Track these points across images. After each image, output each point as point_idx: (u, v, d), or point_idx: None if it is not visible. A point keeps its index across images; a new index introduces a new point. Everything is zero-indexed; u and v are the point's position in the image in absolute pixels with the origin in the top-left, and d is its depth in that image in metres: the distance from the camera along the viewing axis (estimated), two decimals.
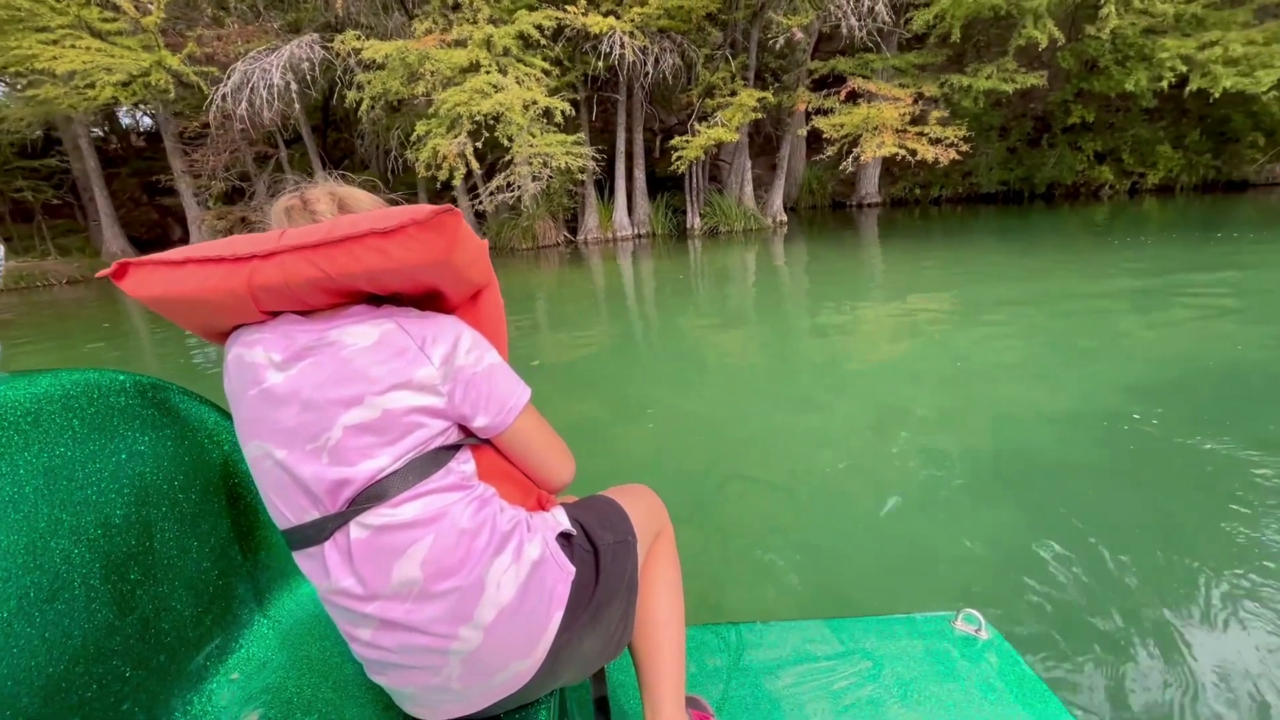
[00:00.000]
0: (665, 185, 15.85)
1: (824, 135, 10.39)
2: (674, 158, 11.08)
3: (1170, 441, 2.63)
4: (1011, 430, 2.88)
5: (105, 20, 10.46)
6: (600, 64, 10.47)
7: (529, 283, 9.04)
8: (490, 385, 0.79)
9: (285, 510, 0.74)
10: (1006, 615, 1.68)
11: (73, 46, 9.39)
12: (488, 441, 0.83)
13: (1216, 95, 9.83)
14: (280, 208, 0.84)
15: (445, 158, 9.00)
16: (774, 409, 3.36)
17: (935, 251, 8.47)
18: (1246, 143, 13.30)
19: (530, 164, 9.71)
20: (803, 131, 10.12)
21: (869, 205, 17.65)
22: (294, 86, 9.29)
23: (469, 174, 9.15)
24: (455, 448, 0.78)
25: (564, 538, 0.83)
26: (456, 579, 0.71)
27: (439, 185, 14.07)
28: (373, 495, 0.71)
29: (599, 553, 0.84)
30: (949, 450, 2.68)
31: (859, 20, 9.72)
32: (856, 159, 9.65)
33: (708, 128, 10.48)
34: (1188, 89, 10.07)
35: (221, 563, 0.98)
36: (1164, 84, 10.21)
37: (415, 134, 9.19)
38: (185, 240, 20.05)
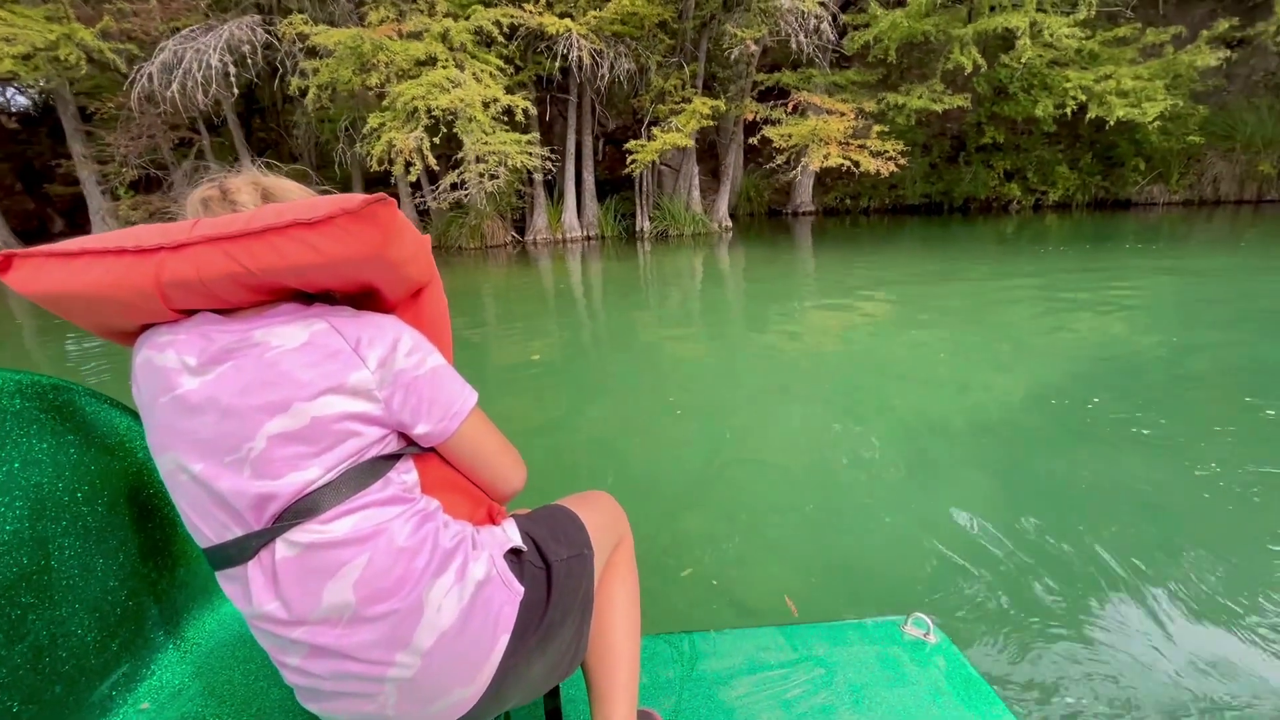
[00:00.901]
0: (610, 188, 16.00)
1: (773, 144, 10.85)
2: (629, 160, 11.22)
3: (1087, 425, 2.96)
4: (948, 410, 3.23)
5: None
6: (555, 65, 10.47)
7: (483, 282, 8.91)
8: (433, 390, 0.73)
9: (204, 528, 0.68)
10: (940, 606, 1.79)
11: None
12: (432, 450, 0.77)
13: (1112, 123, 11.04)
14: (196, 198, 0.77)
15: (401, 152, 8.72)
16: (742, 401, 3.53)
17: (872, 257, 9.11)
18: (1130, 167, 14.98)
19: (486, 162, 9.57)
20: (755, 140, 10.50)
21: (803, 214, 18.48)
22: (232, 70, 8.70)
23: (407, 170, 8.88)
24: (395, 457, 0.72)
25: (514, 554, 0.78)
26: (393, 601, 0.66)
27: (385, 181, 13.56)
28: (301, 510, 0.65)
29: (551, 569, 0.80)
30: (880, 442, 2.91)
31: (805, 37, 10.23)
32: (805, 168, 10.14)
33: (663, 132, 10.69)
34: (1088, 116, 11.24)
35: (131, 582, 0.90)
36: (1067, 110, 11.35)
37: (368, 126, 8.84)
38: (69, 234, 18.20)
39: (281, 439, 0.65)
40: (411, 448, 0.75)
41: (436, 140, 8.85)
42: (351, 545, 0.66)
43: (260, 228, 0.65)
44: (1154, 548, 2.03)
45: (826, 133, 10.38)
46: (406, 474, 0.73)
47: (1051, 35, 10.55)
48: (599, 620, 0.87)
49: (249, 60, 8.96)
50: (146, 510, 0.95)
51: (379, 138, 8.80)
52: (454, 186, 10.01)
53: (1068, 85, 11.38)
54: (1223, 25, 11.37)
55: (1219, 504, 2.28)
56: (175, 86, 8.62)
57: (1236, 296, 5.62)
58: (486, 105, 8.86)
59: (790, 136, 10.68)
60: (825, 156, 10.24)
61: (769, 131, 10.73)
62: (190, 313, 0.70)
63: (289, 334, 0.67)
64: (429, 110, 8.55)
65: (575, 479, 2.73)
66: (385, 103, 8.73)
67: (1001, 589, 1.86)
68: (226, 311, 0.70)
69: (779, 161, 10.98)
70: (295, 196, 0.80)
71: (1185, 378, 3.64)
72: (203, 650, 0.98)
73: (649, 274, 9.07)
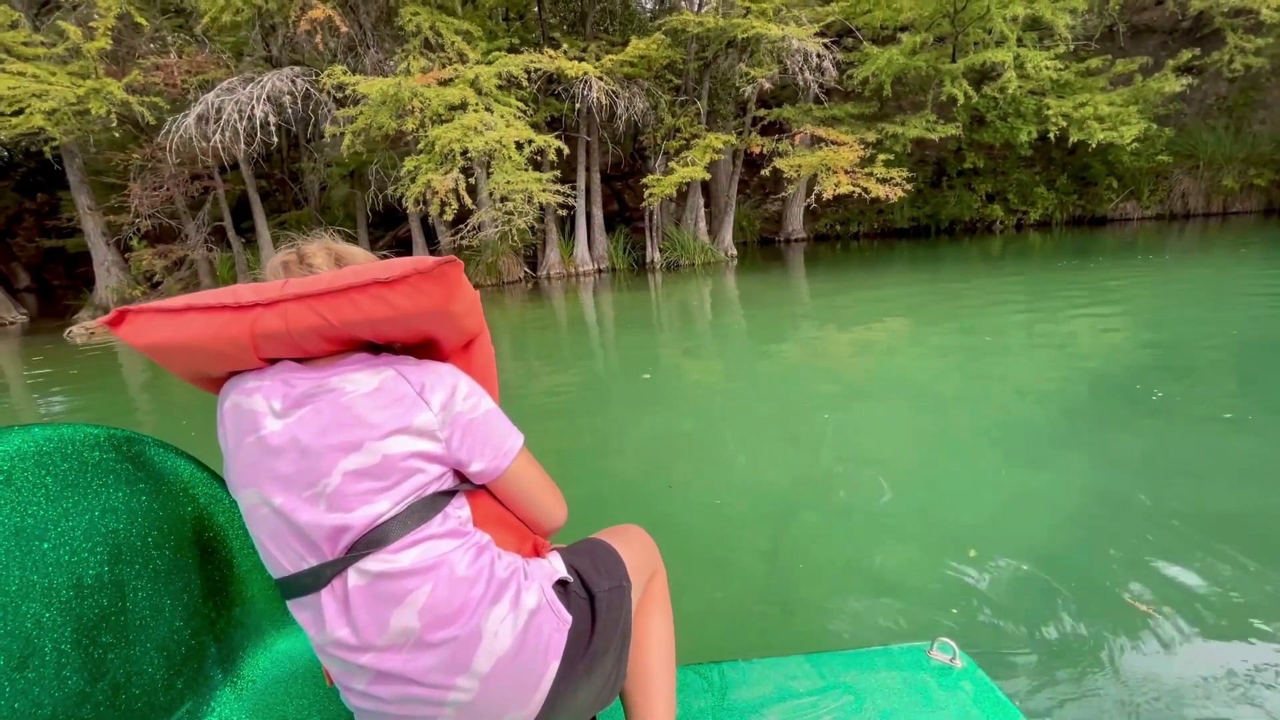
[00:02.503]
0: (616, 221, 16.41)
1: (784, 175, 11.37)
2: (646, 194, 11.63)
3: (1105, 434, 3.10)
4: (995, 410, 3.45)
5: (27, 45, 9.51)
6: (576, 106, 10.91)
7: (514, 318, 9.11)
8: (486, 430, 0.80)
9: (281, 558, 0.73)
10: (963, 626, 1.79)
11: (8, 72, 8.44)
12: (482, 487, 0.83)
13: (1093, 146, 11.85)
14: (277, 262, 0.86)
15: (437, 193, 8.96)
16: (774, 431, 3.58)
17: (875, 281, 9.59)
18: (1104, 185, 15.98)
19: (513, 200, 9.85)
20: (767, 172, 11.00)
21: (795, 240, 19.11)
22: (272, 120, 8.90)
23: (442, 210, 9.09)
24: (451, 494, 0.78)
25: (560, 585, 0.83)
26: (454, 628, 0.71)
27: (390, 223, 13.72)
28: (372, 541, 0.71)
29: (595, 600, 0.85)
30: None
31: (810, 74, 10.85)
32: (794, 197, 10.64)
33: (681, 165, 11.14)
34: (1070, 141, 12.04)
35: (194, 622, 0.95)
36: (1051, 135, 12.14)
37: (405, 169, 9.08)
38: (27, 292, 17.76)
39: (355, 475, 0.71)
40: (465, 484, 0.81)
41: (472, 180, 9.12)
42: (417, 575, 0.71)
43: (343, 286, 0.73)
44: (1190, 560, 2.02)
45: (835, 162, 10.94)
46: (461, 509, 0.79)
47: (1034, 68, 11.37)
48: (636, 651, 0.90)
49: (289, 110, 9.17)
50: (207, 553, 1.00)
51: (414, 180, 9.04)
52: (478, 228, 10.25)
53: (1049, 113, 12.21)
54: (1186, 55, 12.39)
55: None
56: (217, 136, 8.77)
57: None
58: (520, 146, 9.18)
59: (800, 167, 11.21)
60: (836, 185, 10.76)
61: (779, 163, 11.26)
62: (272, 361, 0.78)
63: (361, 380, 0.74)
64: (464, 152, 8.84)
65: (622, 507, 2.82)
66: (421, 145, 8.99)
67: (1030, 610, 1.84)
68: (304, 360, 0.78)
69: (789, 191, 11.49)
70: (362, 260, 0.87)
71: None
72: (258, 688, 1.02)
73: (676, 302, 9.39)
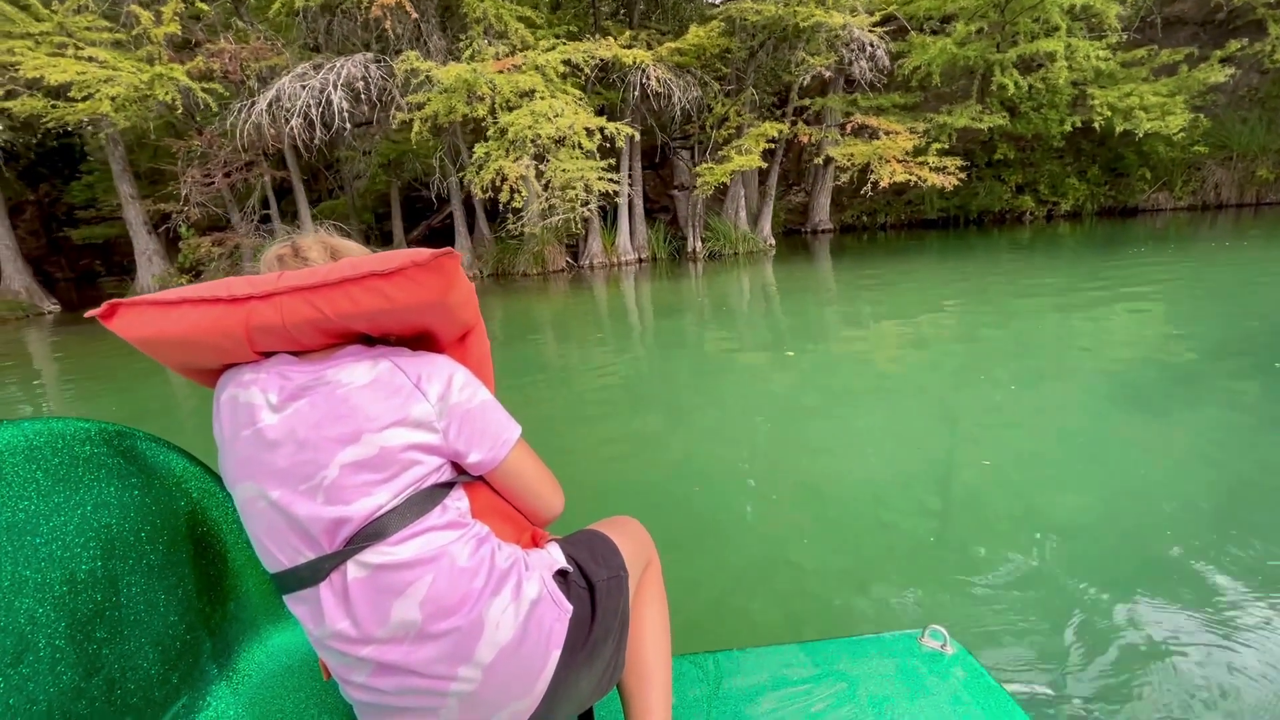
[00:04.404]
0: (654, 211, 16.46)
1: (837, 164, 11.43)
2: (699, 182, 11.68)
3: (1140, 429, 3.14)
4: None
5: (91, 30, 9.44)
6: (633, 94, 10.93)
7: (579, 302, 9.19)
8: (484, 421, 0.81)
9: (278, 553, 0.73)
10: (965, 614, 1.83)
11: (70, 56, 8.37)
12: (480, 479, 0.84)
13: (1139, 136, 11.97)
14: (272, 255, 0.86)
15: (507, 179, 8.98)
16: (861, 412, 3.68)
17: (918, 270, 9.67)
18: (1136, 176, 16.13)
19: (574, 187, 9.89)
20: (820, 160, 11.05)
21: (822, 231, 19.19)
22: (346, 106, 8.88)
23: (512, 196, 9.08)
24: (449, 485, 0.78)
25: (560, 575, 0.84)
26: (456, 619, 0.71)
27: (420, 214, 13.70)
28: (371, 534, 0.71)
29: (594, 589, 0.85)
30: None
31: (866, 63, 10.91)
32: (875, 185, 10.72)
33: (736, 154, 11.19)
34: (1117, 130, 12.16)
35: (189, 617, 0.95)
36: (1096, 125, 12.25)
37: (476, 155, 9.09)
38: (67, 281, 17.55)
39: (353, 467, 0.71)
40: (463, 476, 0.81)
41: (543, 167, 9.16)
42: (417, 566, 0.71)
43: (339, 279, 0.73)
44: (1189, 541, 2.08)
45: (889, 151, 11.02)
46: (459, 501, 0.79)
47: (1084, 58, 11.46)
48: (633, 641, 0.91)
49: (362, 96, 9.15)
50: (201, 547, 0.99)
51: (487, 166, 9.06)
52: (542, 215, 10.28)
53: (1094, 103, 12.31)
54: (1233, 46, 12.51)
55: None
56: (295, 122, 8.75)
57: None
58: (591, 133, 9.21)
59: (853, 156, 11.29)
60: (891, 174, 10.84)
61: (833, 151, 11.33)
62: (268, 355, 0.77)
63: (358, 372, 0.74)
64: (535, 139, 8.86)
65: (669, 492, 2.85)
66: (490, 132, 9.01)
67: (1024, 598, 1.89)
68: (300, 353, 0.78)
69: (842, 180, 11.56)
70: (357, 254, 0.87)
71: None
72: (253, 682, 1.01)
73: (728, 291, 9.45)
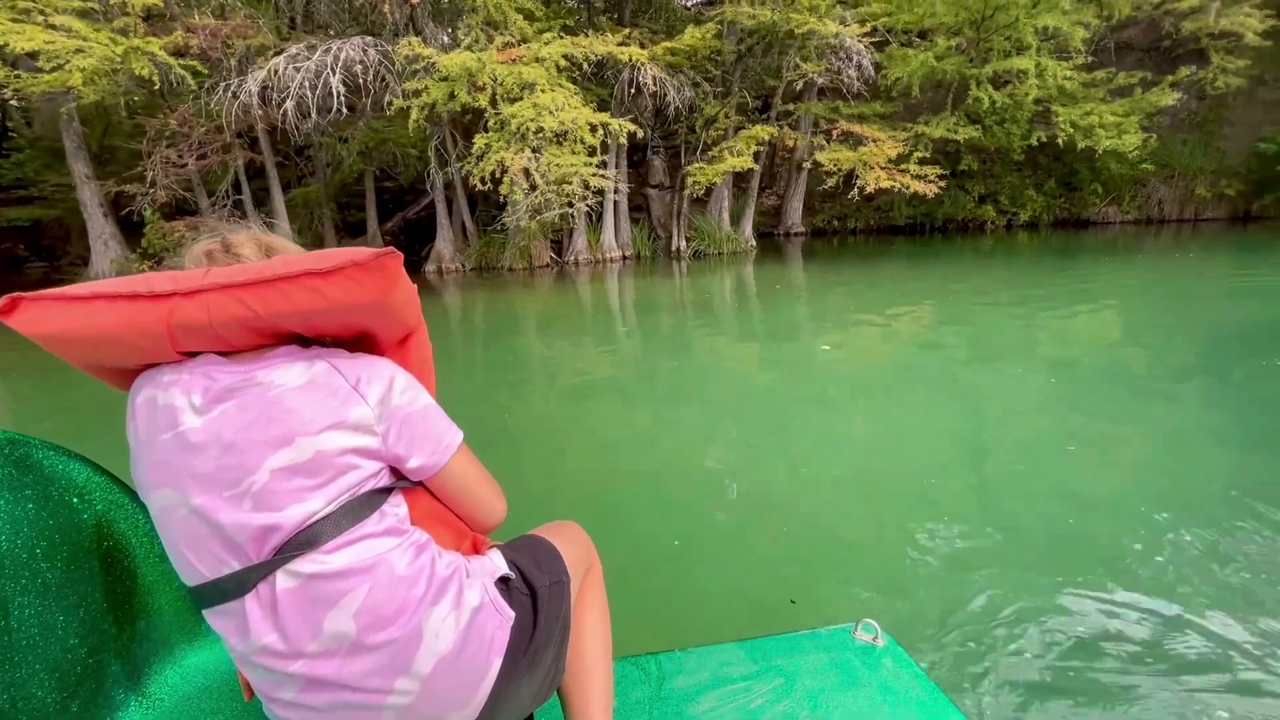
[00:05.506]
0: (630, 209, 16.50)
1: (824, 168, 11.77)
2: (690, 182, 11.81)
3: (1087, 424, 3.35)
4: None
5: None
6: (613, 92, 10.96)
7: (577, 298, 9.19)
8: (425, 425, 0.78)
9: (198, 564, 0.69)
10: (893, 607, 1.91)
11: (38, 23, 7.79)
12: (420, 484, 0.82)
13: (1100, 151, 12.77)
14: (199, 250, 0.81)
15: (507, 170, 8.88)
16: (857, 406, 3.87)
17: (886, 273, 10.17)
18: (1088, 190, 17.16)
19: (569, 182, 9.86)
20: (808, 164, 11.34)
21: (795, 234, 19.66)
22: (342, 90, 8.58)
23: (512, 188, 8.96)
24: (387, 491, 0.76)
25: (502, 582, 0.83)
26: (393, 629, 0.69)
27: (449, 201, 13.32)
28: (303, 542, 0.68)
29: (537, 595, 0.84)
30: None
31: (853, 72, 11.26)
32: (862, 190, 11.08)
33: (730, 155, 11.37)
34: (1078, 146, 12.93)
35: (92, 638, 0.89)
36: (1060, 140, 12.99)
37: (476, 146, 8.94)
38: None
39: (285, 472, 0.68)
40: (402, 482, 0.79)
41: (538, 161, 9.09)
42: (353, 575, 0.69)
43: (272, 276, 0.70)
44: (1089, 535, 2.24)
45: (873, 158, 11.41)
46: (398, 507, 0.77)
47: (1051, 77, 12.14)
48: (574, 645, 0.91)
49: (361, 81, 8.86)
50: (107, 563, 0.94)
51: (488, 157, 8.93)
52: (536, 209, 10.21)
53: (1058, 119, 13.06)
54: (1183, 72, 13.48)
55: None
56: (290, 104, 8.39)
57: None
58: (594, 129, 9.20)
59: (839, 162, 11.63)
60: (876, 180, 11.23)
61: (820, 156, 11.65)
62: (192, 354, 0.73)
63: (291, 374, 0.71)
64: (538, 131, 8.80)
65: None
66: (491, 123, 8.88)
67: (952, 588, 1.99)
68: (228, 353, 0.74)
69: (827, 185, 11.90)
70: (293, 253, 0.83)
71: None
72: (166, 706, 0.96)
73: (726, 290, 9.64)
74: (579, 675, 0.90)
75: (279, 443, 0.68)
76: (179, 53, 9.44)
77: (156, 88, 9.00)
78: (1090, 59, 15.13)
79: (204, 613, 0.71)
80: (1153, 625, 1.79)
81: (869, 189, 11.12)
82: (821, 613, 1.96)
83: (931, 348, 5.21)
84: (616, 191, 13.70)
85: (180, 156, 10.49)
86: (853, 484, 2.84)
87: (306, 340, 0.78)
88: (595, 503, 2.81)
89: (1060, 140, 13.26)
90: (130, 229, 13.28)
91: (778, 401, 4.09)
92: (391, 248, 0.73)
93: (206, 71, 9.65)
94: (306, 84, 8.42)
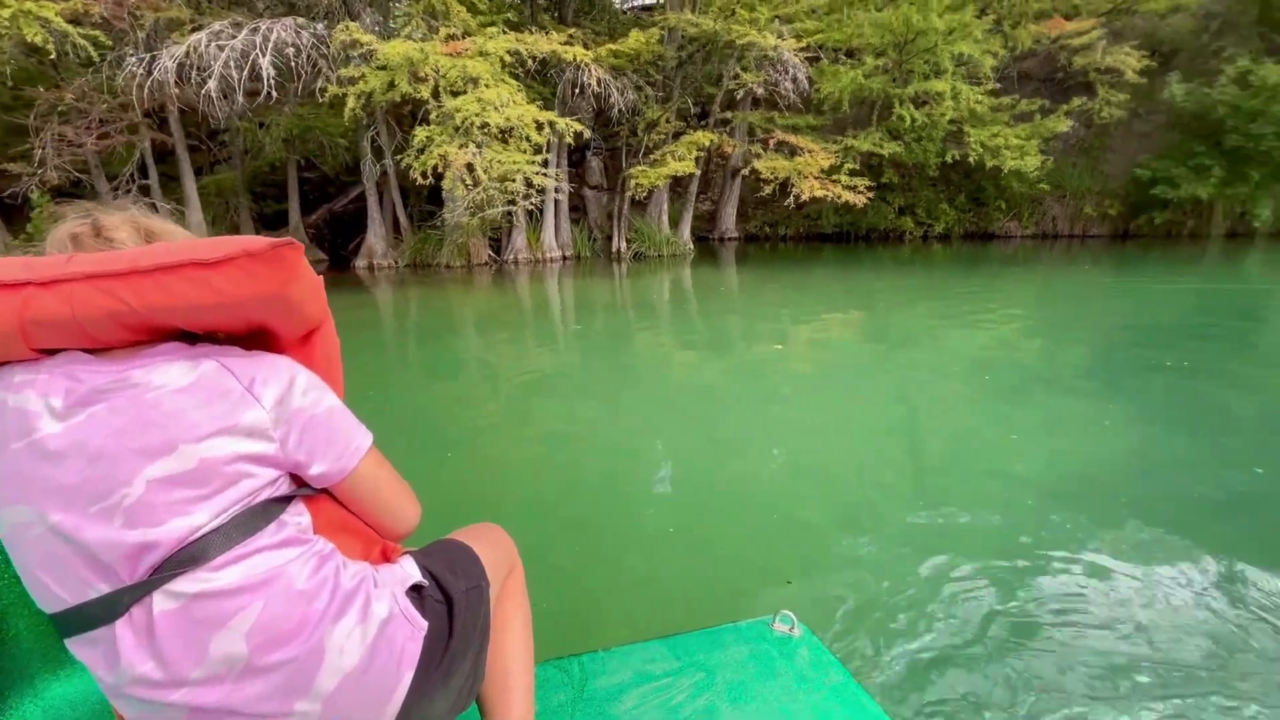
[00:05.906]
0: (573, 210, 16.44)
1: (761, 176, 12.19)
2: (633, 184, 11.91)
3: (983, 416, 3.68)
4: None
5: None
6: (571, 92, 10.94)
7: (527, 298, 9.09)
8: (330, 429, 0.73)
9: (58, 588, 0.62)
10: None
11: None
12: (325, 491, 0.76)
13: (1006, 170, 13.89)
14: (63, 233, 0.72)
15: (450, 165, 8.66)
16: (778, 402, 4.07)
17: (840, 274, 10.81)
18: (993, 206, 18.64)
19: (513, 180, 9.73)
20: (747, 172, 11.72)
21: (729, 239, 20.22)
22: (272, 73, 8.04)
23: (431, 184, 8.73)
24: (287, 500, 0.70)
25: (414, 591, 0.79)
26: (291, 648, 0.64)
27: (380, 195, 12.70)
28: (185, 559, 0.62)
29: (453, 603, 0.80)
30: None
31: (791, 85, 11.74)
32: (798, 198, 11.56)
33: (674, 160, 11.57)
34: (986, 165, 14.02)
35: None
36: (971, 159, 14.05)
37: (417, 139, 8.64)
38: None
39: (164, 483, 0.62)
40: (303, 489, 0.73)
41: (483, 154, 8.91)
42: (244, 593, 0.63)
43: (150, 266, 0.63)
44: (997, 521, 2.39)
45: (807, 168, 11.94)
46: (300, 516, 0.72)
47: (965, 100, 13.12)
48: (494, 651, 0.88)
49: (293, 65, 8.34)
50: None
51: (429, 151, 8.66)
52: (479, 206, 10.00)
53: (970, 140, 14.12)
54: (1075, 102, 14.88)
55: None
56: (212, 84, 7.78)
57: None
58: (540, 127, 9.11)
59: (775, 170, 12.09)
60: (810, 189, 11.75)
61: (759, 164, 12.05)
62: (52, 352, 0.65)
63: (173, 373, 0.64)
64: (482, 126, 8.63)
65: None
66: (434, 116, 8.63)
67: (871, 576, 2.08)
68: (96, 351, 0.66)
69: (764, 192, 12.33)
70: (180, 238, 0.76)
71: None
72: None
73: (675, 291, 9.84)
74: (498, 682, 0.88)
75: (158, 451, 0.61)
76: (76, 20, 8.58)
77: (52, 57, 8.14)
78: (997, 85, 16.48)
79: (67, 642, 0.63)
80: (1054, 600, 1.92)
81: (804, 197, 11.61)
82: (747, 605, 2.01)
83: (861, 346, 5.56)
84: (558, 191, 13.61)
85: (77, 134, 9.52)
86: (784, 477, 2.95)
87: (193, 337, 0.71)
88: (522, 502, 2.78)
89: (971, 159, 14.34)
90: (9, 213, 11.94)
91: (714, 400, 4.23)
92: (291, 239, 0.68)
93: (110, 43, 8.83)
94: (232, 64, 7.85)
